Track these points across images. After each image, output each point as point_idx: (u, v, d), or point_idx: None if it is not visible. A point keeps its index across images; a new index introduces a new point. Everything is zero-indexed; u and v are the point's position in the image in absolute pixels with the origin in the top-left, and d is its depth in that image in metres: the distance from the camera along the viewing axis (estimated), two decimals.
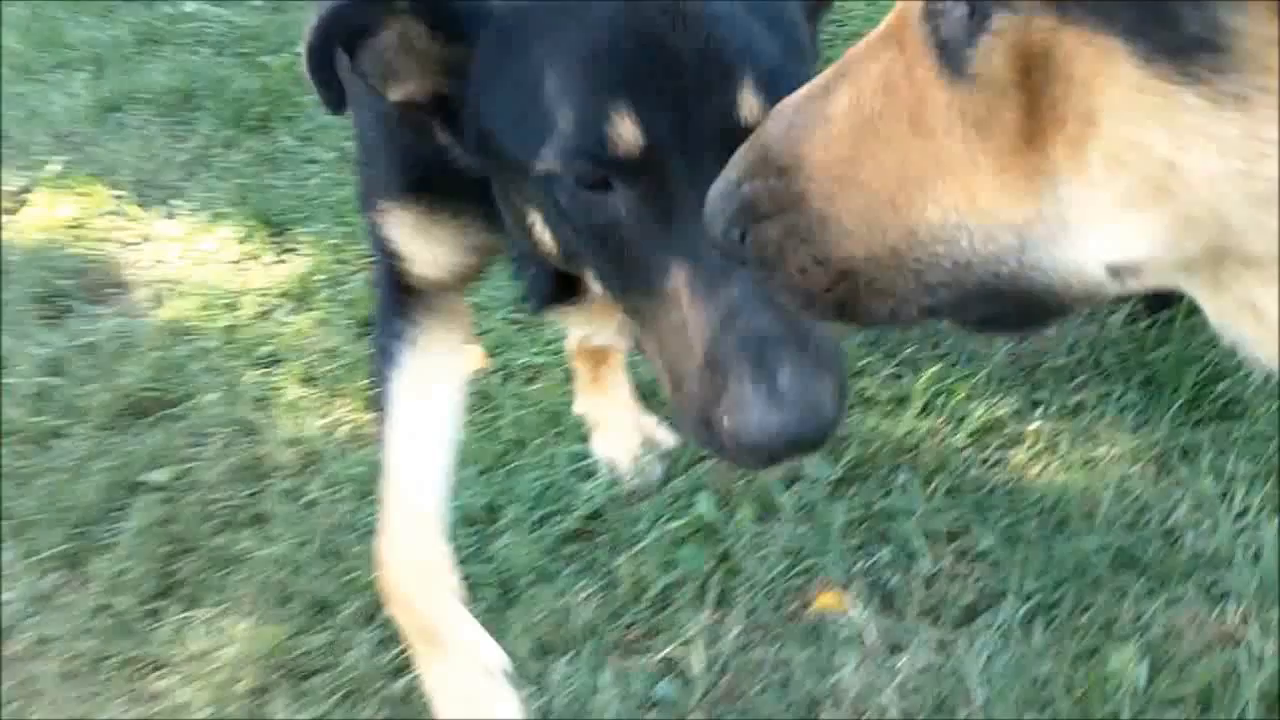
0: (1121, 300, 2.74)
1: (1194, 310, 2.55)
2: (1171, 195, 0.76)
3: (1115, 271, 0.83)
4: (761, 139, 1.01)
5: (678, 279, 1.32)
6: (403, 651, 2.33)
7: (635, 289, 1.40)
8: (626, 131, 1.29)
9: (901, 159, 0.90)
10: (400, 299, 1.95)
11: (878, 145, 0.91)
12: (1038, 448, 2.51)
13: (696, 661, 2.23)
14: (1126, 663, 2.04)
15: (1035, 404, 2.61)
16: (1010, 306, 0.91)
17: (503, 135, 1.43)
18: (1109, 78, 0.75)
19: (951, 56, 0.84)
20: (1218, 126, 0.71)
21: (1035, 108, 0.80)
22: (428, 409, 1.97)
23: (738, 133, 1.19)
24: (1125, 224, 0.79)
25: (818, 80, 0.98)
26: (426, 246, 1.83)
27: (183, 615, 2.52)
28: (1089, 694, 2.03)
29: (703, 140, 1.28)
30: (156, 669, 2.43)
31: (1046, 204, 0.83)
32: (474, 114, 1.47)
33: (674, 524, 2.47)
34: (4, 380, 3.23)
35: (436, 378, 1.98)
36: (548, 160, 1.34)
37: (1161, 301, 2.64)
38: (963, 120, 0.85)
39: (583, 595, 2.38)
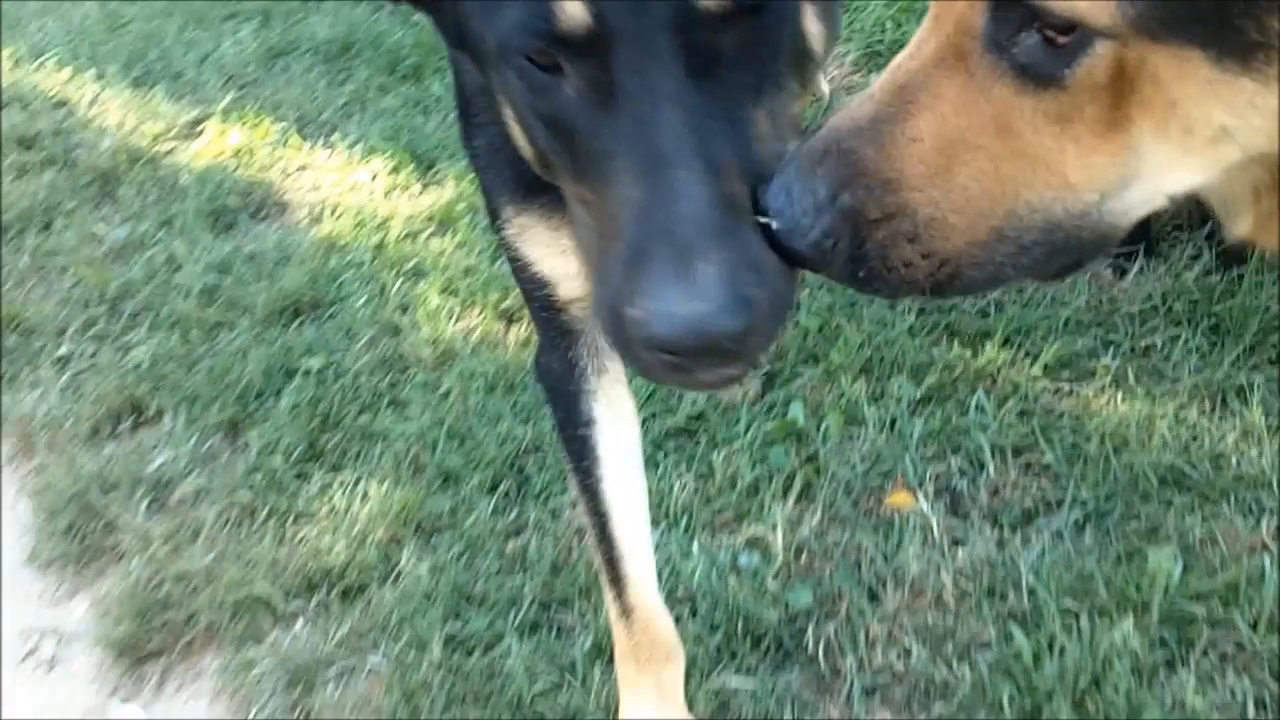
0: (1195, 257, 2.94)
1: (1261, 268, 2.77)
2: (1223, 147, 1.03)
3: (1173, 198, 1.10)
4: (853, 158, 1.11)
5: (617, 166, 1.26)
6: (520, 515, 2.65)
7: (584, 180, 1.33)
8: (572, 8, 1.22)
9: (994, 160, 1.08)
10: (566, 347, 1.91)
11: (970, 153, 1.08)
12: (1105, 381, 2.72)
13: (777, 541, 2.49)
14: (1162, 562, 2.26)
15: (1108, 344, 2.82)
16: (1077, 252, 1.14)
17: (471, 17, 1.37)
18: (1189, 76, 0.99)
19: (1035, 74, 1.04)
20: (1263, 99, 0.98)
21: (1121, 103, 1.02)
22: (631, 493, 1.99)
23: (695, 21, 1.22)
24: (1186, 168, 1.06)
25: (881, 103, 1.12)
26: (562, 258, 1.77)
27: (327, 477, 2.86)
28: (1125, 586, 2.25)
29: (654, 26, 1.21)
30: (301, 519, 2.77)
31: (1129, 167, 1.06)
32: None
33: (767, 427, 2.74)
34: (176, 278, 3.63)
35: (627, 447, 1.99)
36: (500, 34, 1.30)
37: (1235, 258, 2.83)
38: (1048, 120, 1.05)
39: (680, 481, 2.66)
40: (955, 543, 2.45)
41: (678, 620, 2.24)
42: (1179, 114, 1.03)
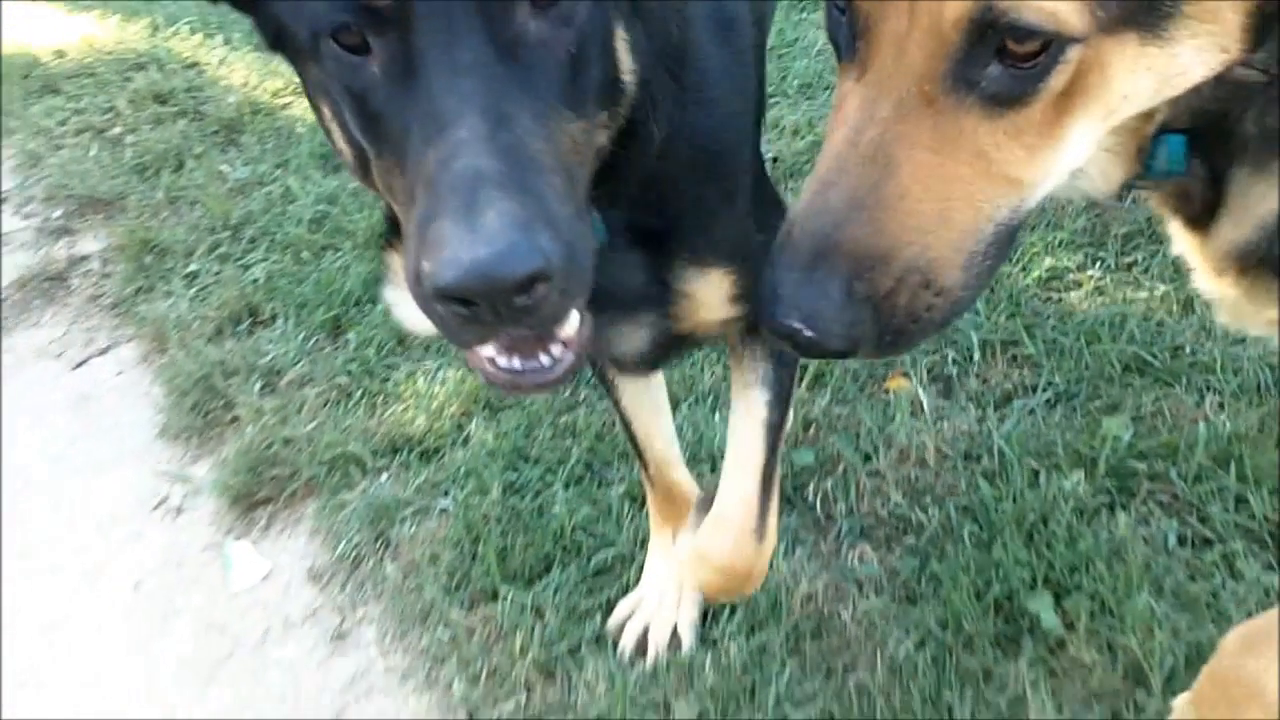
0: None
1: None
2: (1118, 115, 1.17)
3: (1072, 173, 1.23)
4: (849, 247, 1.13)
5: (414, 135, 1.25)
6: (573, 394, 3.09)
7: (389, 159, 1.32)
8: None
9: (971, 186, 1.14)
10: None
11: (952, 187, 1.13)
12: (1088, 289, 3.08)
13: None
14: (1114, 427, 2.62)
15: (1096, 260, 3.17)
16: (1010, 243, 1.23)
17: (284, 11, 1.38)
18: (1123, 57, 1.10)
19: (1004, 99, 1.10)
20: (1161, 61, 1.11)
21: (1065, 99, 1.11)
22: (647, 405, 2.36)
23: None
24: (1090, 143, 1.18)
25: (855, 180, 1.14)
26: None
27: (412, 366, 3.33)
28: (1080, 447, 2.62)
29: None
30: (389, 399, 3.24)
31: (1062, 154, 1.15)
32: None
33: None
34: (290, 209, 4.14)
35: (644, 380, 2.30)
36: (311, 16, 1.30)
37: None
38: (1008, 136, 1.12)
39: (710, 370, 3.07)
40: (941, 418, 2.83)
41: (699, 475, 2.66)
42: (1108, 94, 1.13)
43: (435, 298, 1.18)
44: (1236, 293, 1.49)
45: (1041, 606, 2.31)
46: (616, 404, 2.33)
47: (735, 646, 2.37)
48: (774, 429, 2.01)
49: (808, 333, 1.14)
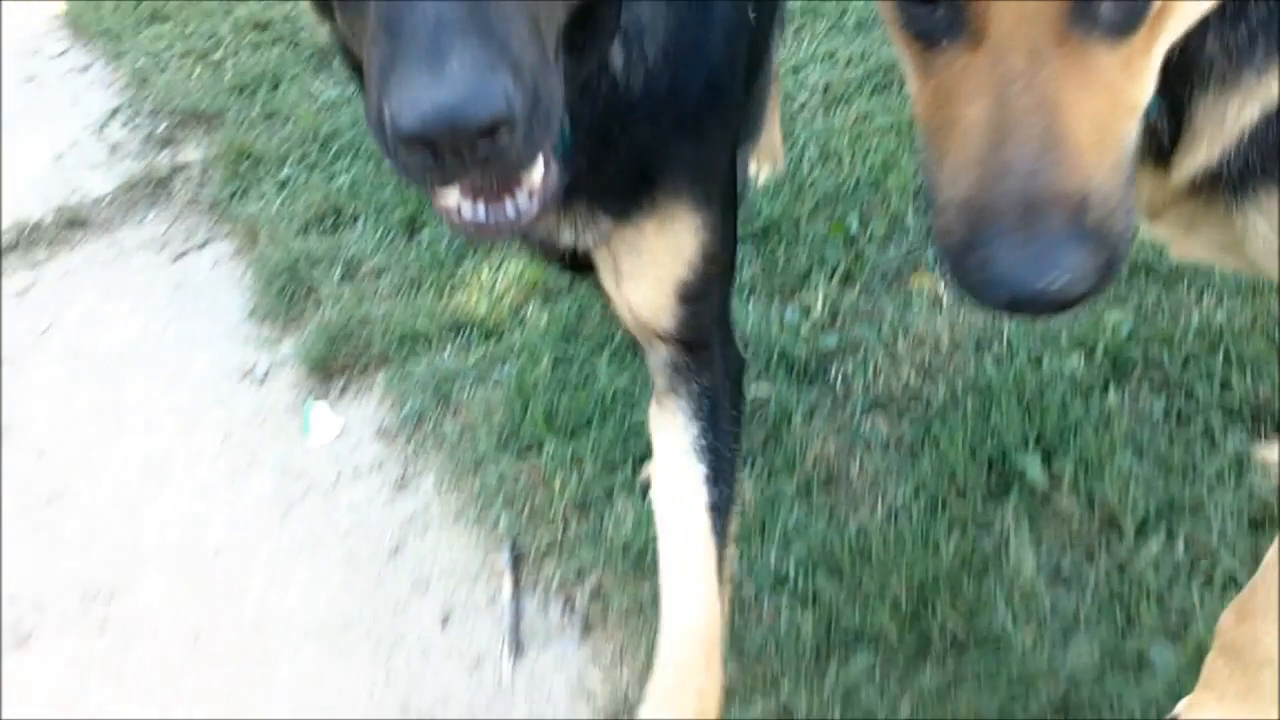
0: None
1: None
2: (1188, 20, 1.21)
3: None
4: (1054, 197, 1.11)
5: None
6: None
7: (356, 8, 1.29)
8: None
9: (1115, 119, 1.16)
10: None
11: (1105, 121, 1.15)
12: None
13: (817, 306, 3.15)
14: (1116, 318, 2.84)
15: None
16: None
17: None
18: None
19: (1119, 27, 1.12)
20: None
21: (1155, 17, 1.15)
22: None
23: None
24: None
25: (1026, 134, 1.13)
26: None
27: (477, 259, 3.61)
28: (1082, 334, 2.84)
29: None
30: (455, 287, 3.53)
31: (1153, 72, 1.19)
32: None
33: (823, 229, 3.39)
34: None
35: None
36: None
37: None
38: (1123, 63, 1.15)
39: (750, 267, 3.33)
40: (958, 308, 3.06)
41: None
42: (1183, 10, 1.18)
43: (397, 142, 1.15)
44: (1183, 228, 1.58)
45: (1030, 463, 2.54)
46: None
47: (748, 487, 2.63)
48: (717, 513, 1.84)
49: (1056, 286, 1.10)
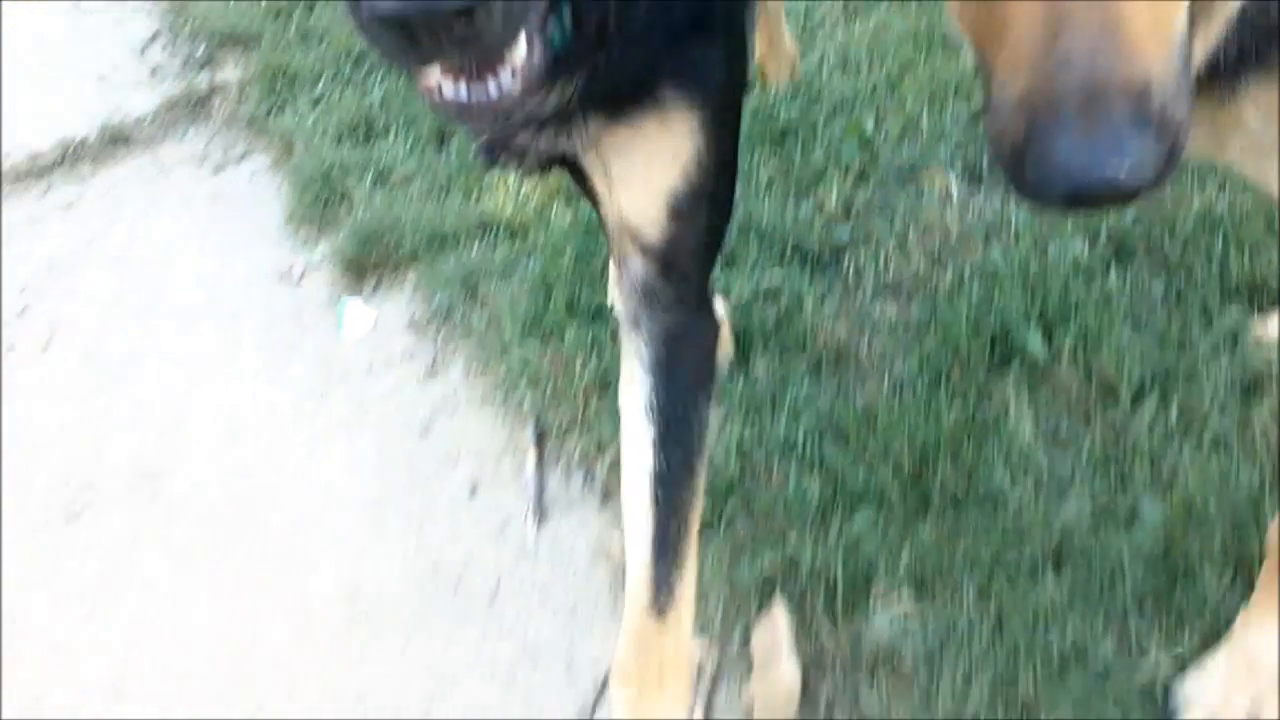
0: None
1: None
2: None
3: None
4: (1114, 79, 1.07)
5: None
6: None
7: None
8: None
9: (1173, 5, 1.11)
10: None
11: (1157, 8, 1.09)
12: None
13: (831, 200, 3.25)
14: None
15: None
16: None
17: None
18: None
19: None
20: None
21: None
22: None
23: None
24: None
25: (1078, 18, 1.08)
26: None
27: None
28: (1086, 221, 2.93)
29: None
30: (484, 191, 3.66)
31: None
32: None
33: (840, 131, 3.48)
34: None
35: None
36: None
37: None
38: None
39: (767, 167, 3.43)
40: (968, 202, 3.16)
41: (744, 245, 3.04)
42: None
43: (373, 24, 1.12)
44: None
45: (1031, 338, 2.65)
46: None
47: (762, 366, 2.75)
48: (664, 485, 1.79)
49: (1122, 175, 1.06)
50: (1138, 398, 2.50)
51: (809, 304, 2.92)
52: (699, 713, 2.19)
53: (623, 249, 1.79)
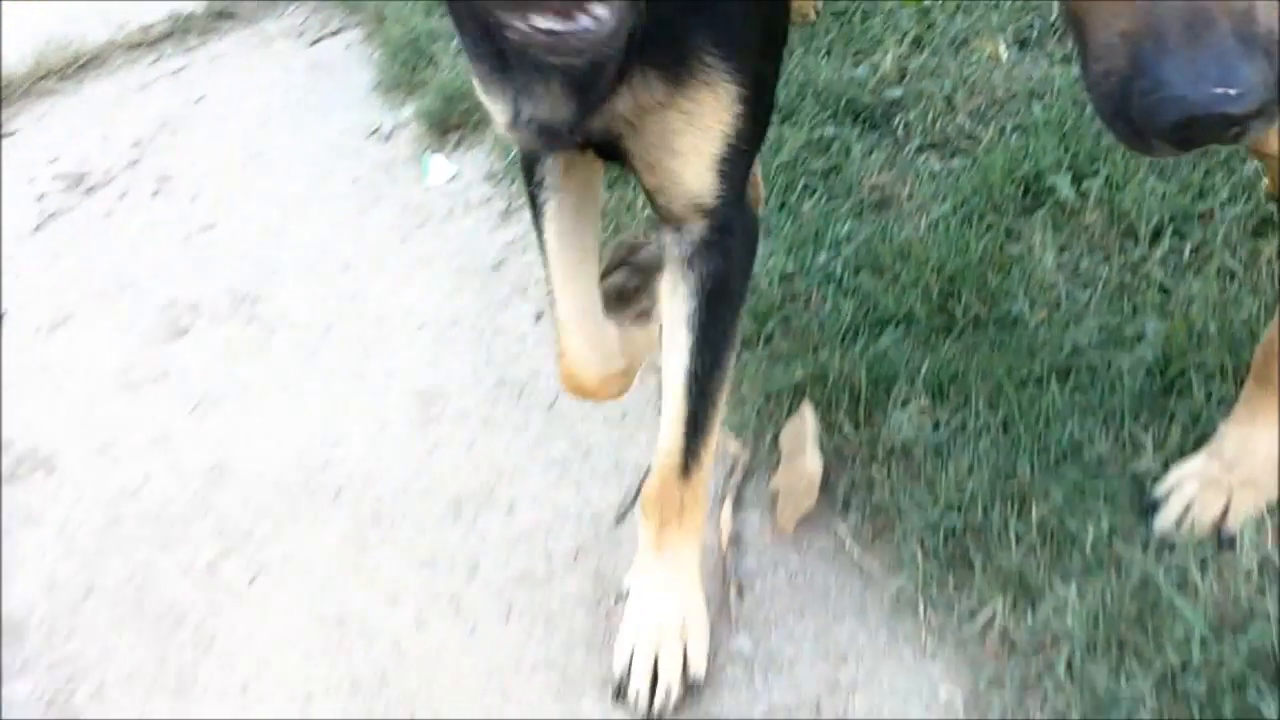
0: None
1: None
2: None
3: None
4: (1227, 8, 1.07)
5: None
6: None
7: None
8: None
9: None
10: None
11: None
12: None
13: (886, 63, 3.42)
14: None
15: None
16: None
17: None
18: None
19: None
20: None
21: None
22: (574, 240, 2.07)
23: None
24: None
25: None
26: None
27: None
28: None
29: None
30: None
31: None
32: None
33: (899, 2, 3.64)
34: None
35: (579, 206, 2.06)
36: None
37: None
38: None
39: (829, 32, 3.60)
40: (1016, 66, 3.32)
41: (800, 101, 3.24)
42: None
43: None
44: None
45: (1061, 183, 2.82)
46: (540, 234, 2.09)
47: (809, 207, 2.96)
48: (696, 379, 1.95)
49: (1232, 98, 1.04)
50: (1155, 237, 2.67)
51: (857, 155, 3.12)
52: (729, 502, 2.44)
53: (671, 212, 1.82)
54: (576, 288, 2.10)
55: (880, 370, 2.50)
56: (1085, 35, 1.19)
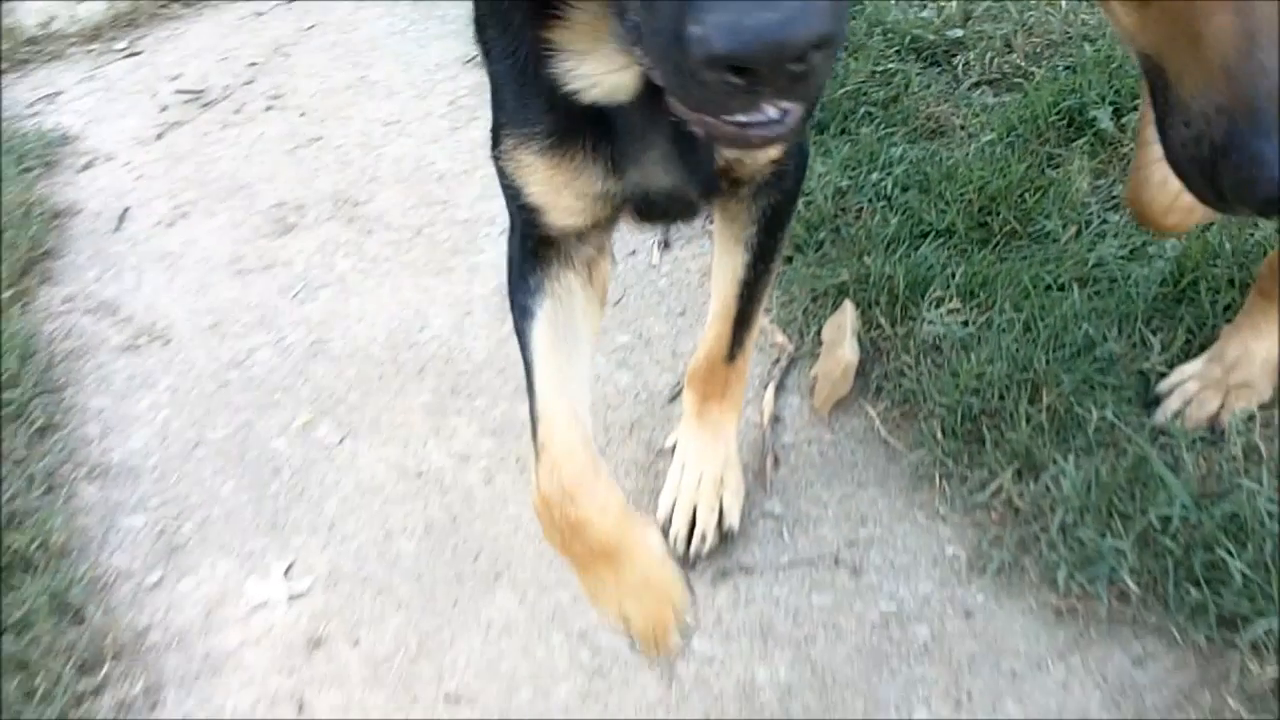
0: None
1: None
2: None
3: None
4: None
5: None
6: None
7: None
8: None
9: None
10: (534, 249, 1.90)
11: None
12: None
13: (951, 6, 3.63)
14: None
15: None
16: None
17: None
18: None
19: None
20: None
21: None
22: (566, 351, 1.92)
23: None
24: None
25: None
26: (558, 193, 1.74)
27: None
28: None
29: None
30: None
31: None
32: None
33: None
34: None
35: (571, 323, 1.94)
36: None
37: None
38: None
39: None
40: (1075, 10, 3.50)
41: (868, 38, 3.46)
42: None
43: (706, 66, 1.00)
44: None
45: (1102, 115, 3.02)
46: (527, 340, 1.92)
47: (866, 132, 3.19)
48: (748, 286, 2.13)
49: None
50: None
51: (916, 88, 3.33)
52: (772, 386, 2.69)
53: (741, 176, 1.88)
54: (565, 392, 1.89)
55: (918, 274, 2.73)
56: (1170, 95, 1.26)
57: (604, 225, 1.86)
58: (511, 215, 1.93)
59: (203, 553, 2.59)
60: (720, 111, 1.14)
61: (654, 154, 1.68)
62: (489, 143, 1.86)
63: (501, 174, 1.82)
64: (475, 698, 2.20)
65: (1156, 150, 1.68)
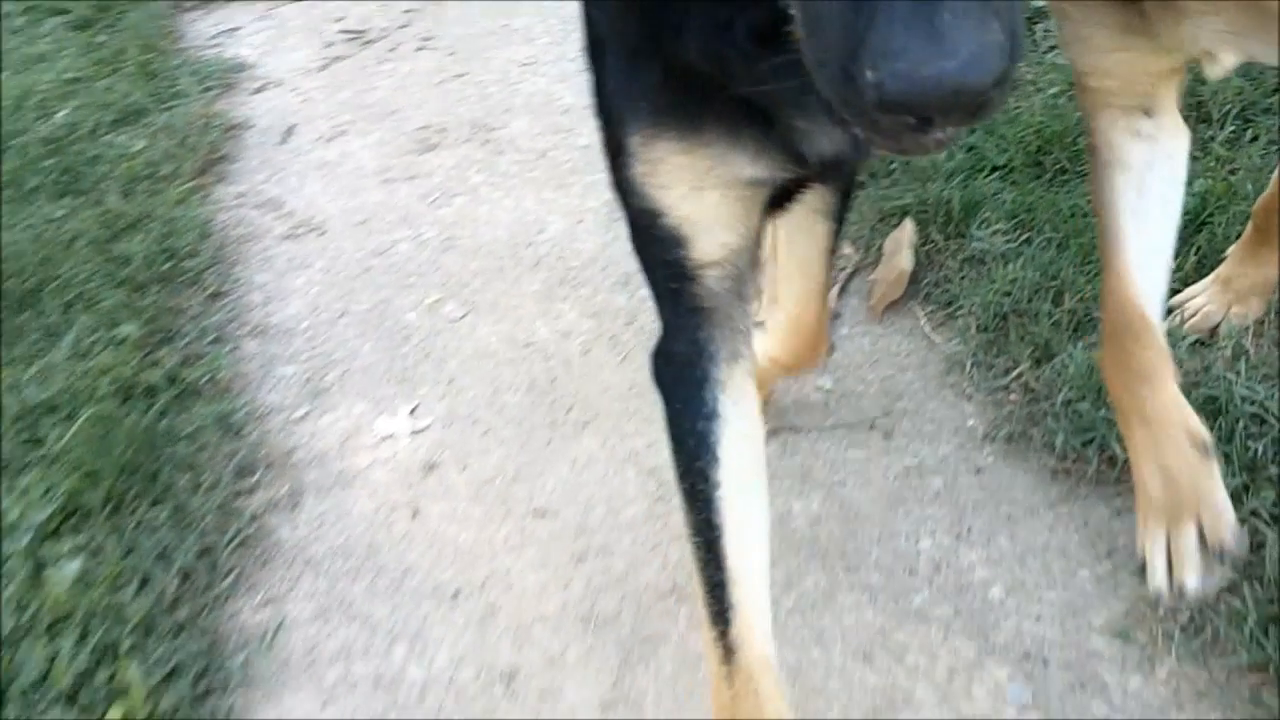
0: None
1: None
2: None
3: None
4: None
5: None
6: None
7: None
8: None
9: None
10: (696, 327, 1.69)
11: None
12: None
13: None
14: None
15: None
16: None
17: None
18: None
19: None
20: None
21: None
22: (752, 505, 1.72)
23: None
24: None
25: None
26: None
27: None
28: None
29: None
30: None
31: None
32: None
33: None
34: None
35: (752, 449, 1.73)
36: None
37: None
38: None
39: None
40: None
41: None
42: None
43: (879, 110, 0.98)
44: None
45: None
46: (705, 506, 1.69)
47: None
48: (830, 253, 2.29)
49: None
50: (1224, 121, 3.18)
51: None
52: (836, 289, 3.09)
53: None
54: (757, 568, 1.69)
55: (973, 200, 3.10)
56: None
57: (755, 243, 1.70)
58: (661, 306, 1.71)
59: (342, 396, 3.08)
60: (891, 143, 1.10)
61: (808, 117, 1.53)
62: (609, 164, 1.68)
63: (633, 199, 1.63)
64: (558, 512, 2.64)
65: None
